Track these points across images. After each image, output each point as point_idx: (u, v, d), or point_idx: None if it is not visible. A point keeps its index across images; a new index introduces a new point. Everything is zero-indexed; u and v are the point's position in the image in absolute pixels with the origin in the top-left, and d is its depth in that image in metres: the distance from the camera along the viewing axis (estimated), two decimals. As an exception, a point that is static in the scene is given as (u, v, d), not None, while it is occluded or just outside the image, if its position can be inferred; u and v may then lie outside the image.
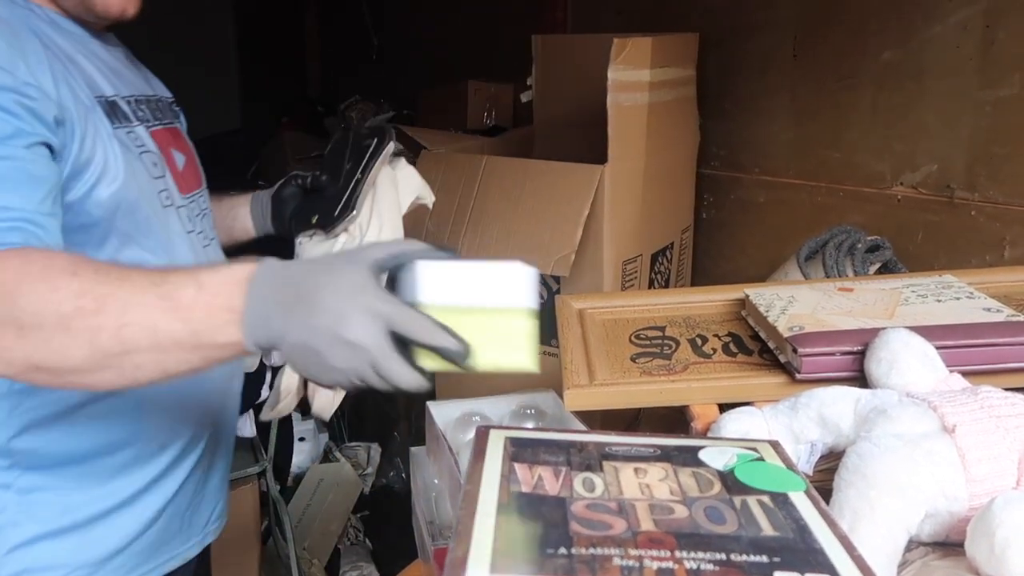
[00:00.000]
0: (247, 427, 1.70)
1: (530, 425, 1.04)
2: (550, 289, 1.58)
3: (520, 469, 0.63)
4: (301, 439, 2.27)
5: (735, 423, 0.77)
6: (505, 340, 0.62)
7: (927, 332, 0.83)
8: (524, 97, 1.80)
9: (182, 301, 0.63)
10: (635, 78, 1.45)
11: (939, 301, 0.94)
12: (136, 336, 0.63)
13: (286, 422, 2.05)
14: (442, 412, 1.07)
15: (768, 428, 0.76)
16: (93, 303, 0.62)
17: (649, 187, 1.55)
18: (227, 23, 4.43)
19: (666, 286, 1.72)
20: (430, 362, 0.61)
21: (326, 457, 2.28)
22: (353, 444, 2.37)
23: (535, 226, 1.48)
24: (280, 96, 3.84)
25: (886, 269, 1.38)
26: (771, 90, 1.70)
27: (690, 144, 1.78)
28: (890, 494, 0.64)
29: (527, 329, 0.62)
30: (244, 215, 1.13)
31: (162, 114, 0.96)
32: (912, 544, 0.68)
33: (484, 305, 0.62)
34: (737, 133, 1.79)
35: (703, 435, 0.84)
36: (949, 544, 0.68)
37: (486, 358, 0.61)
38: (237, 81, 4.46)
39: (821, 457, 0.77)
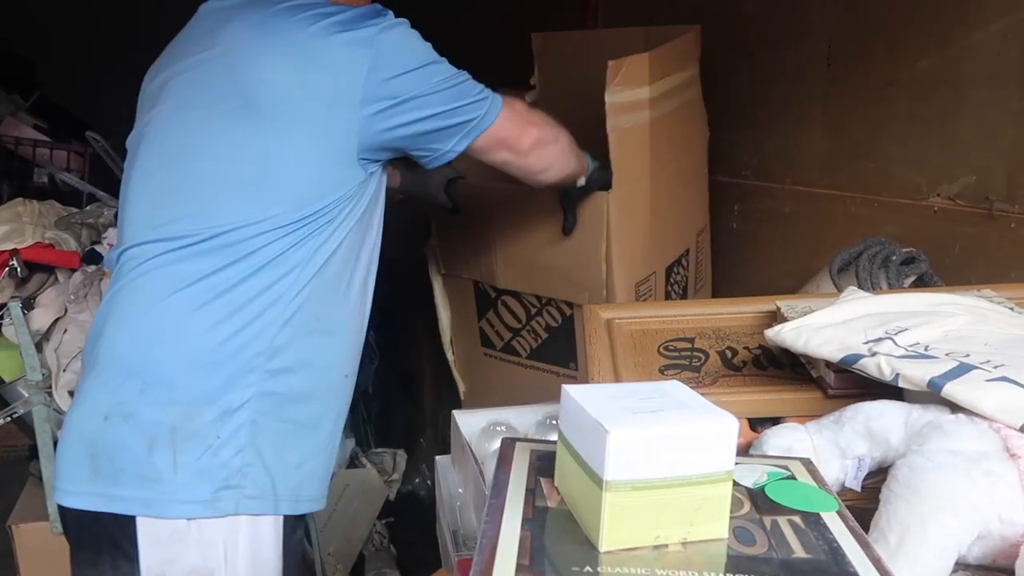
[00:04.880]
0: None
1: (555, 436, 1.03)
2: (563, 314, 1.57)
3: (546, 484, 0.62)
4: (328, 444, 2.28)
5: (778, 438, 0.76)
6: (702, 511, 0.54)
7: (966, 348, 0.80)
8: (528, 98, 1.78)
9: None
10: (635, 98, 1.41)
11: (978, 316, 0.92)
12: None
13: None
14: (468, 421, 1.07)
15: (812, 443, 0.75)
16: None
17: (657, 203, 1.52)
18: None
19: (684, 293, 1.70)
20: None
21: (352, 463, 2.28)
22: (379, 450, 2.38)
23: (556, 260, 1.49)
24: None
25: (921, 282, 1.35)
26: (804, 99, 1.68)
27: (699, 146, 1.73)
28: (944, 510, 0.62)
29: (726, 495, 0.55)
30: None
31: None
32: (956, 566, 0.65)
33: (683, 475, 0.53)
34: (769, 143, 1.77)
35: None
36: (995, 569, 0.65)
37: (678, 532, 0.54)
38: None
39: (868, 474, 0.75)
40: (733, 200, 1.84)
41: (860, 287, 1.34)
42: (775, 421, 0.88)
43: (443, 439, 2.39)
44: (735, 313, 1.12)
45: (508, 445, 0.69)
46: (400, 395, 2.64)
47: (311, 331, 1.03)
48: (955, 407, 0.73)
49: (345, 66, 0.99)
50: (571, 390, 0.59)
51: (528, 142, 1.16)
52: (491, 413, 1.08)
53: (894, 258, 1.36)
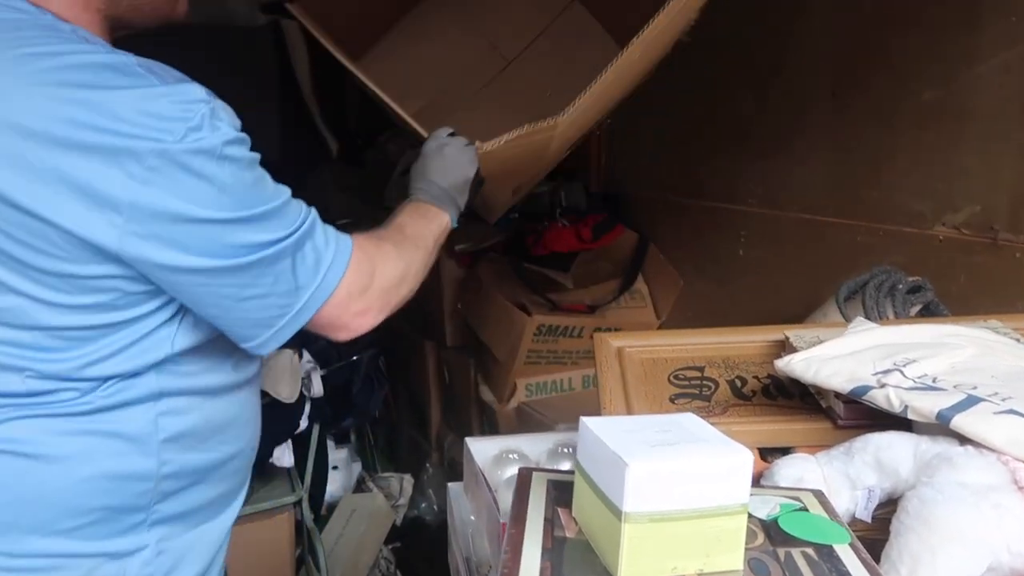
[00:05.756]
0: (286, 457, 1.72)
1: (567, 464, 1.04)
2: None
3: (563, 514, 0.63)
4: (334, 468, 2.29)
5: (788, 468, 0.77)
6: (717, 543, 0.55)
7: (974, 380, 0.81)
8: None
9: None
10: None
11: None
12: None
13: (321, 451, 2.06)
14: (480, 449, 1.07)
15: (823, 474, 0.76)
16: None
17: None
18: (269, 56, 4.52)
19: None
20: None
21: (359, 487, 2.29)
22: (386, 475, 2.38)
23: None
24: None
25: (928, 311, 1.36)
26: (809, 128, 1.70)
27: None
28: (954, 542, 0.63)
29: (742, 527, 0.56)
30: None
31: None
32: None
33: (700, 508, 0.55)
34: (774, 171, 1.79)
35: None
36: (1002, 600, 0.66)
37: (695, 563, 0.55)
38: (276, 110, 4.53)
39: (878, 504, 0.76)
40: (739, 227, 1.86)
41: (867, 316, 1.35)
42: (785, 451, 0.89)
43: (449, 463, 2.40)
44: (744, 342, 1.13)
45: (525, 475, 0.71)
46: (406, 419, 2.65)
47: (196, 442, 0.86)
48: (964, 438, 0.74)
49: (104, 185, 0.69)
50: (589, 423, 0.60)
51: (380, 304, 0.90)
52: (503, 441, 1.09)
53: (900, 287, 1.37)
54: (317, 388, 1.68)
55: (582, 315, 2.03)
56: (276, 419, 1.58)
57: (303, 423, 1.68)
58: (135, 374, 0.79)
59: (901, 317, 1.33)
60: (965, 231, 1.44)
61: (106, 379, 0.78)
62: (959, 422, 0.73)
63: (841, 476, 0.76)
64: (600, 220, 2.13)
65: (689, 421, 0.61)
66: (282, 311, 0.80)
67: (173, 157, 0.70)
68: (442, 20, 1.73)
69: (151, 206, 0.70)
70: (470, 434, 2.23)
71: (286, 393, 1.57)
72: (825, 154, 1.68)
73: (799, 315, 1.57)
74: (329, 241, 0.84)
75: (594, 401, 1.05)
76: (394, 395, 2.54)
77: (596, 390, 1.07)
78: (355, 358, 1.81)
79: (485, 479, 0.99)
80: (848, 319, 1.37)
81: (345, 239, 0.86)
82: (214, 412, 0.87)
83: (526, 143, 1.20)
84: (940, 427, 0.75)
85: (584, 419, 0.61)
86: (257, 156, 0.78)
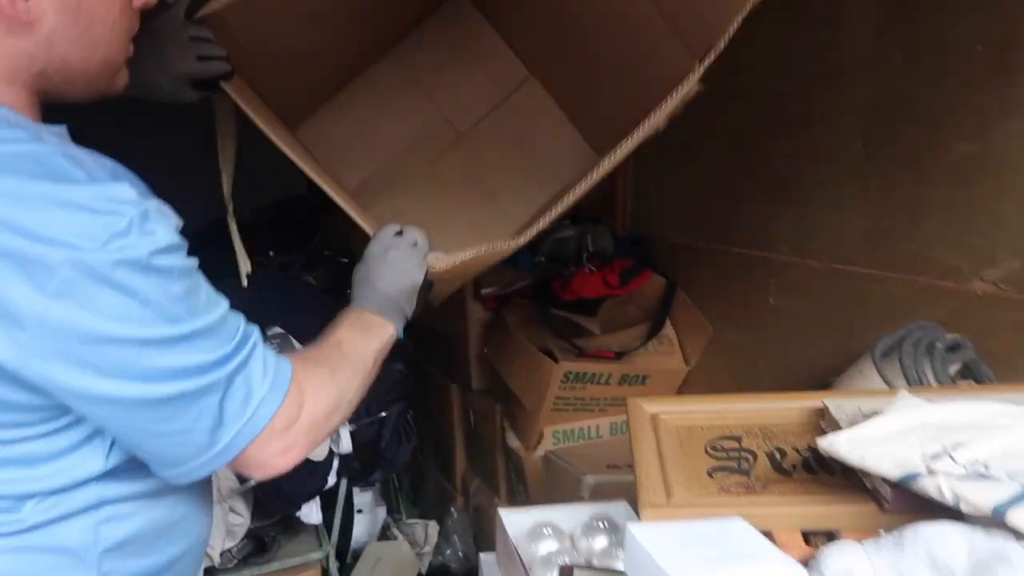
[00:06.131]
0: (314, 514, 1.71)
1: (602, 539, 1.02)
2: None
3: (610, 623, 0.62)
4: (359, 511, 2.28)
5: (836, 558, 0.74)
6: None
7: (1028, 466, 0.79)
8: None
9: None
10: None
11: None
12: None
13: (347, 501, 2.05)
14: (514, 521, 1.06)
15: (872, 566, 0.73)
16: None
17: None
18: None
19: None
20: None
21: (384, 534, 2.28)
22: (411, 521, 2.37)
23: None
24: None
25: (968, 370, 1.33)
26: (841, 178, 1.69)
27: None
28: None
29: None
30: None
31: None
32: None
33: None
34: (805, 220, 1.77)
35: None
36: None
37: None
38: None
39: None
40: (769, 275, 1.83)
41: (904, 374, 1.32)
42: (828, 533, 0.87)
43: (475, 509, 2.38)
44: (782, 408, 1.11)
45: (567, 573, 0.69)
46: (431, 462, 2.63)
47: (141, 547, 0.79)
48: (1020, 533, 0.71)
49: (10, 296, 0.62)
50: (637, 533, 0.59)
51: (305, 440, 0.80)
52: (537, 512, 1.08)
53: (939, 345, 1.35)
54: (346, 444, 1.67)
55: (609, 362, 2.01)
56: (305, 476, 1.57)
57: (331, 479, 1.67)
58: (70, 488, 0.73)
59: (940, 376, 1.30)
60: (1004, 287, 1.41)
61: (34, 495, 0.72)
62: (1015, 518, 0.71)
63: (892, 571, 0.74)
64: (628, 265, 2.11)
65: (739, 530, 0.60)
66: (200, 451, 0.72)
67: (90, 269, 0.62)
68: (391, 89, 1.69)
69: (60, 322, 0.62)
70: (495, 479, 2.21)
71: (316, 451, 1.57)
72: (857, 204, 1.66)
73: (831, 367, 1.54)
74: (267, 371, 0.75)
75: (621, 449, 1.03)
76: (419, 438, 2.53)
77: (625, 437, 1.06)
78: (384, 414, 1.80)
79: (519, 556, 0.98)
80: (886, 380, 1.34)
81: (284, 368, 0.77)
82: (160, 513, 0.80)
83: (483, 258, 1.17)
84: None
85: (631, 527, 0.60)
86: (193, 263, 0.70)
